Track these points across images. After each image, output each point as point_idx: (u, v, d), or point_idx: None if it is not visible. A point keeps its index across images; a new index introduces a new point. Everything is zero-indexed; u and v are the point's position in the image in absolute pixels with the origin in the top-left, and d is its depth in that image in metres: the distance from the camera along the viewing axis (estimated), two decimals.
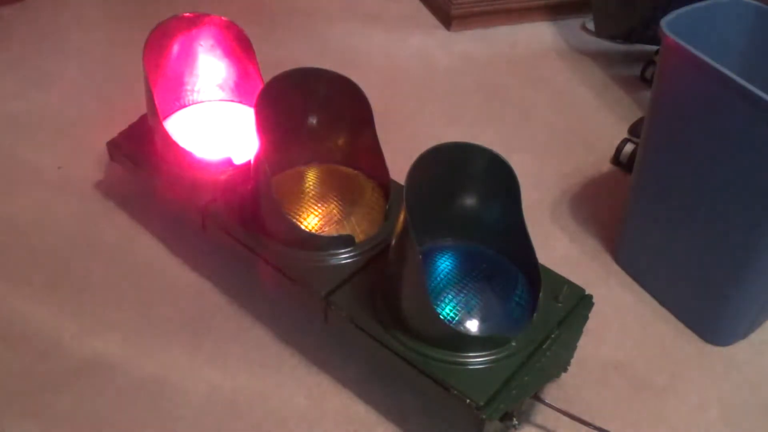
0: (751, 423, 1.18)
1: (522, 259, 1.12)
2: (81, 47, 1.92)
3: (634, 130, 1.71)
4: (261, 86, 1.20)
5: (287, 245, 1.16)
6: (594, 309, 1.14)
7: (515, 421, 1.01)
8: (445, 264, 1.15)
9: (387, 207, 1.22)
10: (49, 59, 1.86)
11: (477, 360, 1.02)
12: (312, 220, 1.22)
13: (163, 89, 1.36)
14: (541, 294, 1.07)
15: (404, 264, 1.04)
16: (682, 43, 1.11)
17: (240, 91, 1.44)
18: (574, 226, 1.49)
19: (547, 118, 1.79)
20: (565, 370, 1.16)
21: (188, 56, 1.39)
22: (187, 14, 1.33)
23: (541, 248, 1.09)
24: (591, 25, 2.09)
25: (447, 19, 2.08)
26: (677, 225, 1.26)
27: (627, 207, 1.36)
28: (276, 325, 1.26)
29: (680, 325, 1.31)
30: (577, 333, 1.14)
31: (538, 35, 2.09)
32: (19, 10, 2.02)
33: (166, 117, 1.39)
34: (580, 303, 1.13)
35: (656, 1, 1.76)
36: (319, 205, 1.24)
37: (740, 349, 1.28)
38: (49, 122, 1.66)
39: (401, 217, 1.02)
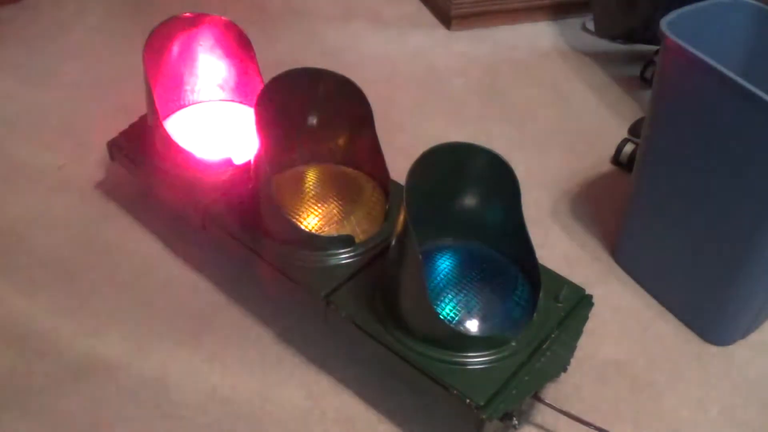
0: (751, 423, 1.18)
1: (522, 259, 1.12)
2: (81, 47, 1.92)
3: (634, 130, 1.71)
4: (261, 86, 1.20)
5: (287, 245, 1.16)
6: (594, 309, 1.14)
7: (515, 421, 1.01)
8: (445, 264, 1.15)
9: (387, 207, 1.22)
10: (49, 59, 1.86)
11: (477, 360, 1.02)
12: (312, 220, 1.22)
13: (163, 89, 1.36)
14: (541, 294, 1.07)
15: (404, 264, 1.04)
16: (682, 43, 1.10)
17: (240, 91, 1.44)
18: (574, 225, 1.49)
19: (547, 117, 1.79)
20: (564, 370, 1.16)
21: (188, 56, 1.39)
22: (187, 14, 1.33)
23: (541, 248, 1.10)
24: (591, 25, 2.09)
25: (447, 19, 2.08)
26: (677, 225, 1.26)
27: (627, 207, 1.36)
28: (276, 325, 1.26)
29: (680, 325, 1.31)
30: (577, 333, 1.14)
31: (539, 35, 2.09)
32: (19, 10, 2.02)
33: (166, 117, 1.39)
34: (580, 303, 1.13)
35: (656, 1, 1.76)
36: (319, 205, 1.24)
37: (740, 349, 1.28)
38: (49, 122, 1.66)
39: (401, 217, 1.02)
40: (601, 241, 1.46)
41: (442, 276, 1.12)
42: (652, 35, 1.84)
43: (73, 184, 1.50)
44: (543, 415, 1.15)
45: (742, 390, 1.22)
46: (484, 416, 0.97)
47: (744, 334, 1.30)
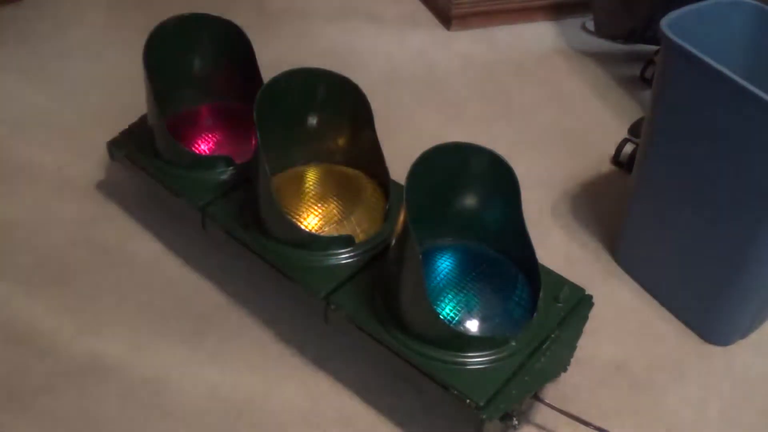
0: (751, 423, 1.18)
1: (522, 259, 1.12)
2: (81, 47, 1.92)
3: (634, 130, 1.71)
4: (261, 86, 1.20)
5: (287, 245, 1.16)
6: (594, 309, 1.14)
7: (515, 421, 1.01)
8: (445, 264, 1.15)
9: (387, 207, 1.22)
10: (49, 59, 1.86)
11: (477, 360, 1.02)
12: (312, 220, 1.22)
13: (163, 89, 1.36)
14: (541, 294, 1.07)
15: (404, 264, 1.04)
16: (682, 43, 1.11)
17: (240, 91, 1.44)
18: (574, 226, 1.49)
19: (547, 118, 1.79)
20: (564, 370, 1.16)
21: (188, 56, 1.38)
22: (187, 14, 1.33)
23: (541, 248, 1.10)
24: (591, 25, 2.09)
25: (447, 19, 2.08)
26: (677, 225, 1.26)
27: (627, 207, 1.36)
28: (276, 325, 1.26)
29: (680, 325, 1.31)
30: (577, 333, 1.14)
31: (538, 35, 2.09)
32: (19, 10, 2.02)
33: (166, 117, 1.39)
34: (580, 303, 1.13)
35: (656, 1, 1.76)
36: (319, 205, 1.24)
37: (740, 349, 1.28)
38: (49, 122, 1.66)
39: (401, 217, 1.02)
40: (601, 241, 1.46)
41: (442, 276, 1.12)
42: (652, 35, 1.84)
43: (73, 184, 1.50)
44: (543, 415, 1.15)
45: (742, 390, 1.22)
46: (484, 416, 0.97)
47: (744, 334, 1.30)
